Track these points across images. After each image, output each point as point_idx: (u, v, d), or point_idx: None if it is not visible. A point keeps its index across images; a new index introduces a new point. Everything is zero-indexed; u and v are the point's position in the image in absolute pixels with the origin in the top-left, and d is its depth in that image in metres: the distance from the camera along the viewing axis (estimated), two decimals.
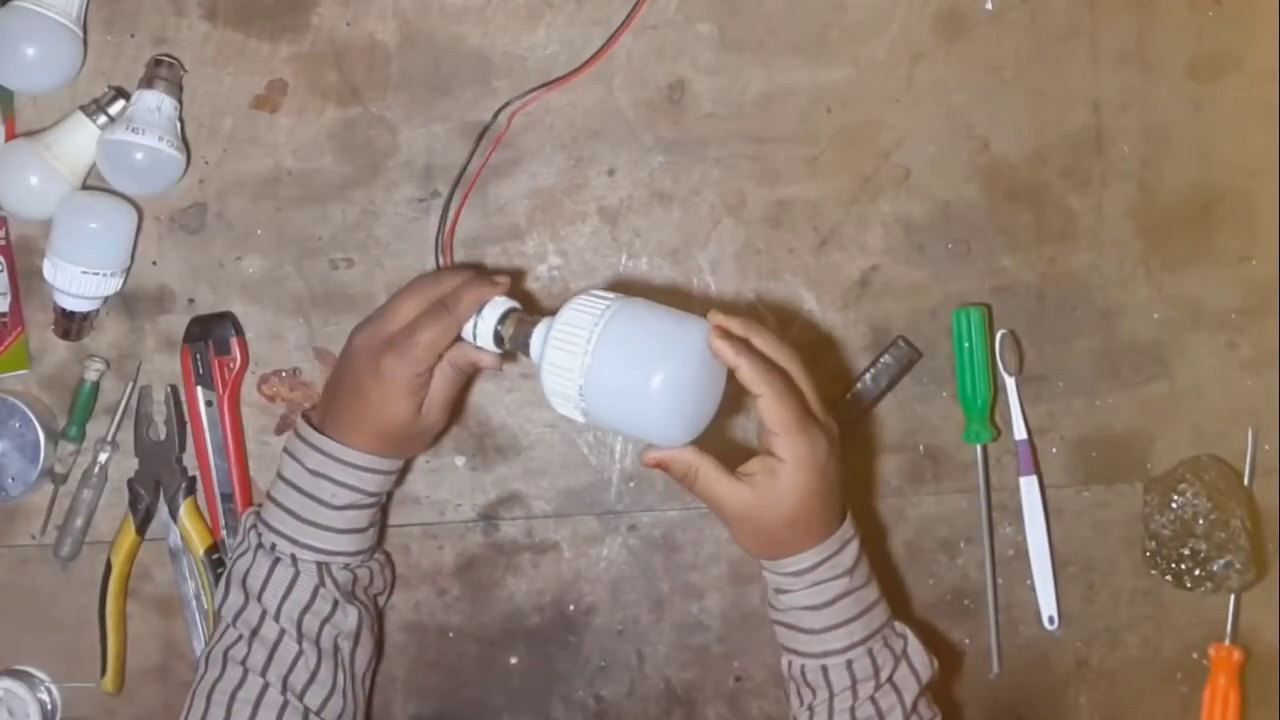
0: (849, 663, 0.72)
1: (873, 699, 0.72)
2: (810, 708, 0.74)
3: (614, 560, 0.88)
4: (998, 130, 0.87)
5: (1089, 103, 0.87)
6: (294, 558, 0.76)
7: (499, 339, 0.74)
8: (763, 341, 0.70)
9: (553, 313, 0.71)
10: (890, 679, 0.73)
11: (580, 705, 0.88)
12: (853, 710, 0.72)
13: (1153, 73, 0.87)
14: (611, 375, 0.67)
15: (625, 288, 0.86)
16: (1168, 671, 0.88)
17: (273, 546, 0.77)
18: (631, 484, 0.87)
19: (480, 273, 0.76)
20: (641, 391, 0.66)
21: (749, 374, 0.68)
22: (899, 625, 0.76)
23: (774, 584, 0.74)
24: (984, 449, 0.86)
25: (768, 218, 0.86)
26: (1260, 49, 0.87)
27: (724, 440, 0.86)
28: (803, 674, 0.74)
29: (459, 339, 0.76)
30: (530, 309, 0.75)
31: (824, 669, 0.73)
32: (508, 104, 0.85)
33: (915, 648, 0.75)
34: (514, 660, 0.87)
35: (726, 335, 0.68)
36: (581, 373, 0.68)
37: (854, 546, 0.73)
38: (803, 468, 0.69)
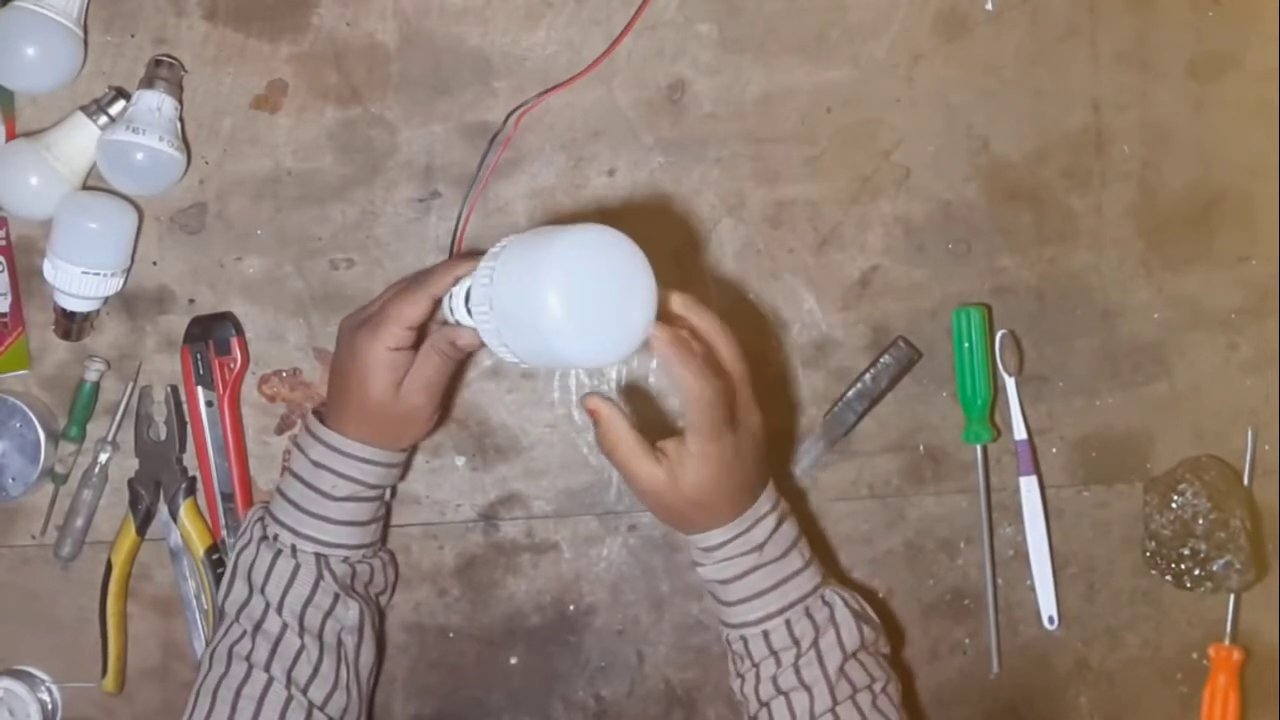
0: (765, 634, 0.74)
1: (795, 667, 0.73)
2: (741, 676, 0.76)
3: (614, 560, 0.88)
4: (998, 130, 0.87)
5: (1089, 103, 0.87)
6: (294, 548, 0.77)
7: (469, 311, 0.74)
8: (702, 320, 0.71)
9: None
10: (814, 647, 0.74)
11: (580, 705, 0.88)
12: (776, 679, 0.74)
13: (1153, 73, 0.87)
14: (513, 305, 0.65)
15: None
16: (1168, 671, 0.88)
17: (275, 538, 0.77)
18: None
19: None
20: (541, 313, 0.62)
21: (685, 376, 0.67)
22: (828, 593, 0.76)
23: (691, 556, 0.76)
24: (984, 449, 0.86)
25: (768, 218, 0.86)
26: (1260, 49, 0.87)
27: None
28: (729, 643, 0.77)
29: (441, 323, 0.76)
30: None
31: (744, 639, 0.75)
32: (518, 108, 0.85)
33: (843, 615, 0.75)
34: (514, 660, 0.87)
35: (669, 338, 0.67)
36: (491, 310, 0.66)
37: (769, 522, 0.74)
38: (709, 463, 0.70)
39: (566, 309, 0.62)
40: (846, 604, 0.76)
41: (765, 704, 0.74)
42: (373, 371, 0.75)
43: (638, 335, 0.65)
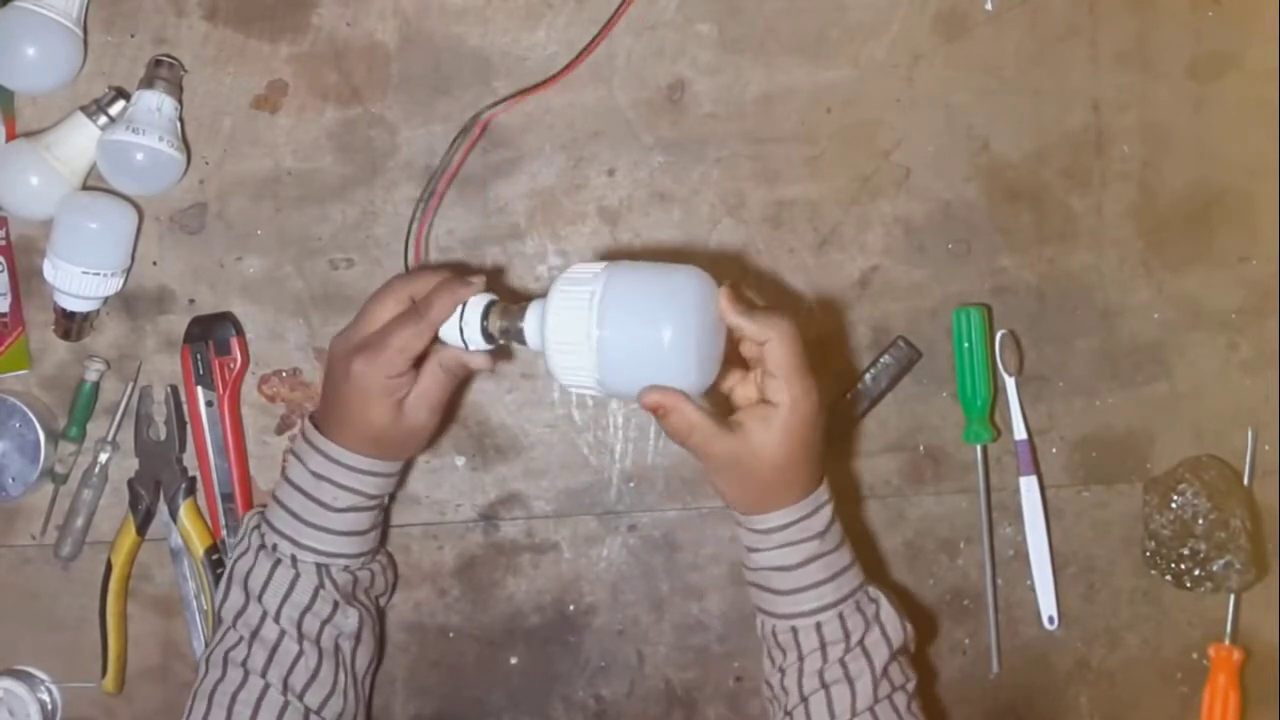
0: (818, 625, 0.73)
1: (842, 662, 0.73)
2: (781, 669, 0.75)
3: (614, 560, 0.88)
4: (998, 130, 0.87)
5: (1089, 103, 0.87)
6: (294, 559, 0.76)
7: (488, 335, 0.74)
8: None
9: (536, 296, 0.73)
10: (860, 643, 0.74)
11: (580, 705, 0.88)
12: (821, 673, 0.73)
13: (1153, 73, 0.87)
14: (621, 340, 0.68)
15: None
16: (1168, 671, 0.88)
17: (274, 547, 0.77)
18: (631, 484, 0.87)
19: (455, 273, 0.76)
20: (654, 349, 0.68)
21: (754, 327, 0.69)
22: (872, 590, 0.76)
23: (746, 542, 0.75)
24: (984, 449, 0.86)
25: (768, 218, 0.86)
26: (1260, 49, 0.87)
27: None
28: (774, 635, 0.75)
29: (443, 343, 0.75)
30: (513, 301, 0.75)
31: (794, 630, 0.74)
32: (485, 109, 0.84)
33: (888, 613, 0.75)
34: (514, 660, 0.87)
35: (731, 297, 0.70)
36: (591, 346, 0.68)
37: (827, 511, 0.75)
38: (797, 412, 0.70)
39: (684, 345, 0.68)
40: (890, 601, 0.76)
41: (805, 698, 0.73)
42: (374, 398, 0.74)
43: (713, 371, 0.71)
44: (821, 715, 0.73)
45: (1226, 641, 0.87)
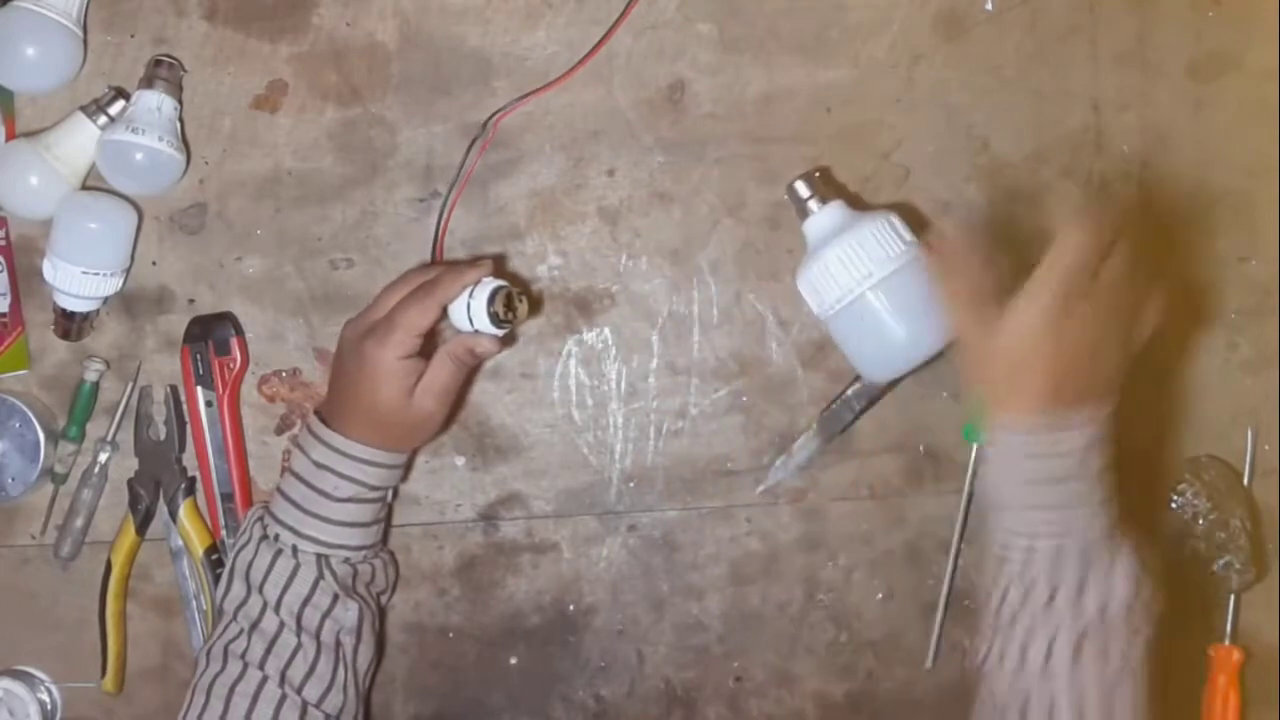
0: (1029, 549, 0.68)
1: (1052, 600, 0.67)
2: (989, 591, 0.70)
3: (614, 560, 0.88)
4: (998, 130, 0.87)
5: (1089, 103, 0.87)
6: (295, 549, 0.77)
7: (495, 319, 0.75)
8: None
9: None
10: (1081, 591, 0.68)
11: (580, 705, 0.88)
12: (1028, 596, 0.68)
13: (1153, 73, 0.87)
14: (882, 309, 0.75)
15: (626, 283, 0.86)
16: (1168, 671, 0.88)
17: (276, 537, 0.77)
18: (631, 484, 0.87)
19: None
20: (892, 339, 0.76)
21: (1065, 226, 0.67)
22: (1122, 543, 0.69)
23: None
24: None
25: (768, 218, 0.86)
26: (1260, 49, 0.87)
27: None
28: (996, 547, 0.70)
29: (454, 331, 0.76)
30: (520, 289, 0.77)
31: (1004, 549, 0.69)
32: (498, 111, 0.85)
33: (1125, 563, 0.68)
34: (514, 660, 0.87)
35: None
36: (861, 284, 0.75)
37: (1085, 435, 0.68)
38: (1028, 313, 0.66)
39: (906, 352, 0.78)
40: (1131, 554, 0.69)
41: (1011, 625, 0.68)
42: (383, 381, 0.75)
43: (893, 376, 0.82)
44: (1015, 653, 0.68)
45: (1226, 641, 0.87)
